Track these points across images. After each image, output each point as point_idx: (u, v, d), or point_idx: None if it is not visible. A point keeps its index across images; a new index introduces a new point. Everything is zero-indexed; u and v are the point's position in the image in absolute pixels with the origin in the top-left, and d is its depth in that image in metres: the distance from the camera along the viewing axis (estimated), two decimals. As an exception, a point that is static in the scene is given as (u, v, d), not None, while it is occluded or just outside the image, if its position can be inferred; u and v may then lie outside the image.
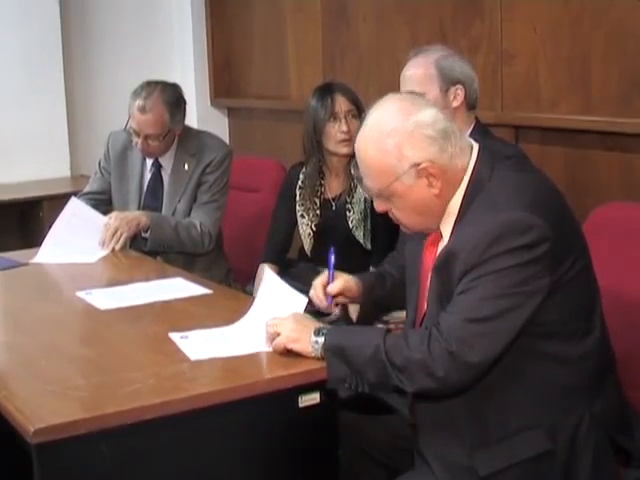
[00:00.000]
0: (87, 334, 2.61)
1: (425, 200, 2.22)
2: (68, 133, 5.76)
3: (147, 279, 3.21)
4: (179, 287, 3.10)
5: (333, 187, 3.73)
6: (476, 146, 2.27)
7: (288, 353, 2.33)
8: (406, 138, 2.18)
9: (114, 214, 3.76)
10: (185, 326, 2.61)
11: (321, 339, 2.27)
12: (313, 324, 2.34)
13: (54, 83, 5.66)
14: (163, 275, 3.27)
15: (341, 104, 3.61)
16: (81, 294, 2.99)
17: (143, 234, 3.79)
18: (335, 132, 3.60)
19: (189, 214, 3.93)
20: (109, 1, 5.90)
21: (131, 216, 3.76)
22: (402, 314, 2.73)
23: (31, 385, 2.26)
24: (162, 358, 2.41)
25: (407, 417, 2.41)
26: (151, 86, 3.86)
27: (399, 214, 2.28)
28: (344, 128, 3.58)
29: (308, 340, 2.29)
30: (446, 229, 2.27)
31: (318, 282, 2.63)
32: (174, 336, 2.53)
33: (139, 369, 2.32)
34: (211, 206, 3.93)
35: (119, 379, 2.25)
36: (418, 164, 2.18)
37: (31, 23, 5.54)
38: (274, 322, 2.38)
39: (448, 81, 3.10)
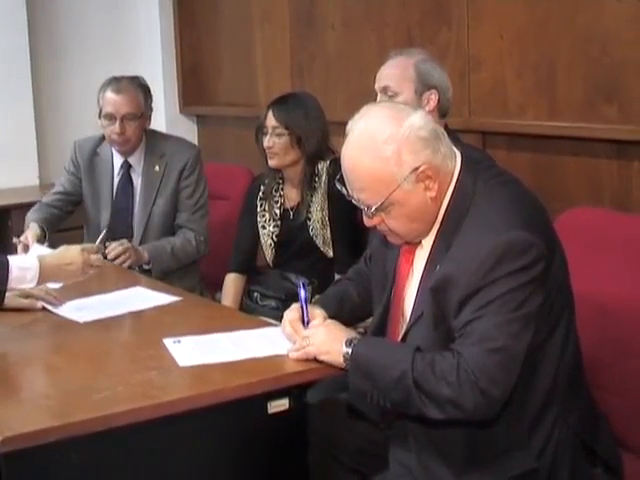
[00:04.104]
0: (56, 343, 2.60)
1: (422, 204, 2.19)
2: (36, 141, 5.72)
3: (116, 286, 3.19)
4: (144, 297, 3.07)
5: (292, 197, 3.76)
6: (459, 154, 2.26)
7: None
8: (404, 143, 2.14)
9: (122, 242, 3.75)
10: (158, 334, 2.60)
11: (351, 350, 2.23)
12: (346, 334, 2.30)
13: (22, 91, 5.61)
14: (122, 285, 3.22)
15: (270, 119, 3.66)
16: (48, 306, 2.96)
17: (145, 267, 3.82)
18: (263, 144, 3.68)
19: (167, 216, 3.99)
20: (77, 9, 5.88)
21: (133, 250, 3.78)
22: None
23: (0, 393, 2.25)
24: (131, 366, 2.41)
25: (379, 424, 2.42)
26: (118, 77, 3.97)
27: (394, 223, 2.22)
28: (265, 143, 3.65)
29: (339, 351, 2.25)
30: (427, 237, 2.26)
31: (292, 318, 2.48)
32: (167, 341, 2.51)
33: (108, 377, 2.31)
34: (198, 214, 4.04)
35: (88, 387, 2.24)
36: (417, 168, 2.15)
37: (-2, 30, 5.50)
38: (308, 333, 2.36)
39: (424, 85, 3.12)
